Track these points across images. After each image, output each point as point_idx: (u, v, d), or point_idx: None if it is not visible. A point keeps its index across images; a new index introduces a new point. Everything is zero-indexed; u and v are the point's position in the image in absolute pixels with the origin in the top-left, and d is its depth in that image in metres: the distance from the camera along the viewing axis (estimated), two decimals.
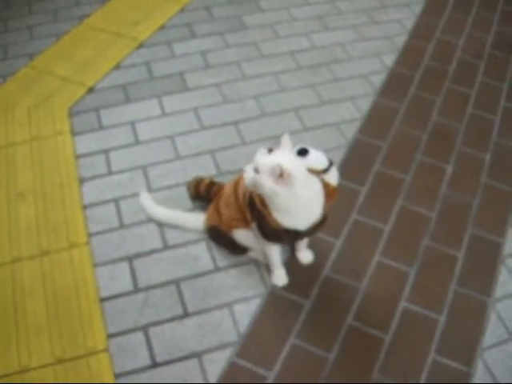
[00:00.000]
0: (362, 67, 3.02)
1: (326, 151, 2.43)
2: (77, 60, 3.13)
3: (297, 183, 1.70)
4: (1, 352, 1.97)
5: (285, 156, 1.74)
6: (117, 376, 1.90)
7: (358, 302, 2.08)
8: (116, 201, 2.36)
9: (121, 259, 2.20)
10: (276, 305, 2.06)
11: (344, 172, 2.49)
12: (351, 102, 2.81)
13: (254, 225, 1.92)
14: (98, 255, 2.22)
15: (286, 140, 1.77)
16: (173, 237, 2.24)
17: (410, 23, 3.35)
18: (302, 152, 1.85)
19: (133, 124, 2.70)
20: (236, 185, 1.98)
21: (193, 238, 2.23)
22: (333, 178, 1.91)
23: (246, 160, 2.41)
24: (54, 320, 2.03)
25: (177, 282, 2.13)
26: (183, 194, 2.37)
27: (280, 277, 2.15)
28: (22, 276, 2.15)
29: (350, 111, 2.76)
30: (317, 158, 1.88)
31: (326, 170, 1.88)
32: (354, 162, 2.51)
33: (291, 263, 2.18)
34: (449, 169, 2.53)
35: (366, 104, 2.80)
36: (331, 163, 1.90)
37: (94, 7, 3.52)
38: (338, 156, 2.54)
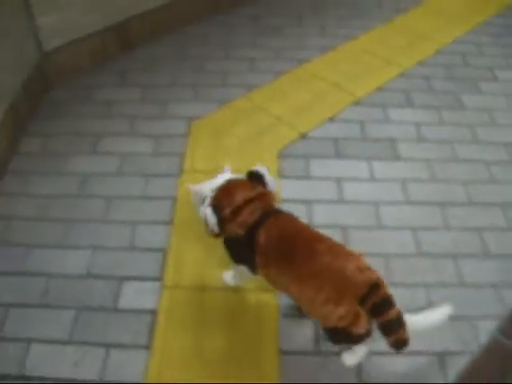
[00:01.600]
0: None
1: None
2: (292, 103, 3.27)
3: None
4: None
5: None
6: None
7: None
8: None
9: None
10: None
11: None
12: None
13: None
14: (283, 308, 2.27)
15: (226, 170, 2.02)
16: None
17: None
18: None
19: (339, 181, 2.77)
20: None
21: None
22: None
23: (450, 247, 2.39)
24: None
25: None
26: (380, 266, 2.30)
27: (233, 277, 2.22)
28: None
29: None
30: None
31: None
32: None
33: None
34: None
35: None
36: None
37: (314, 53, 3.73)
38: None
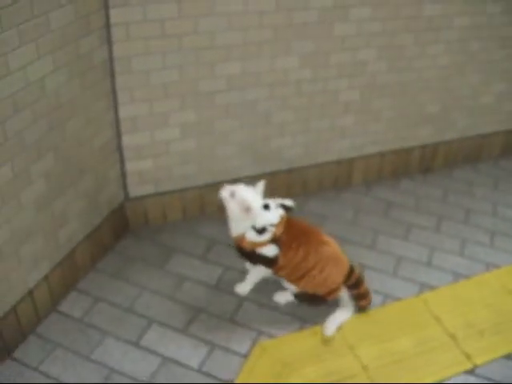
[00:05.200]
0: None
1: None
2: (383, 347, 2.71)
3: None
4: None
5: (252, 196, 2.64)
6: None
7: None
8: None
9: None
10: None
11: None
12: None
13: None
14: None
15: (260, 185, 2.67)
16: None
17: None
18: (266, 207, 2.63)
19: None
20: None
21: None
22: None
23: None
24: None
25: None
26: None
27: (244, 288, 2.91)
28: None
29: None
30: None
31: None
32: None
33: None
34: None
35: None
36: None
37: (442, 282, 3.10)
38: None
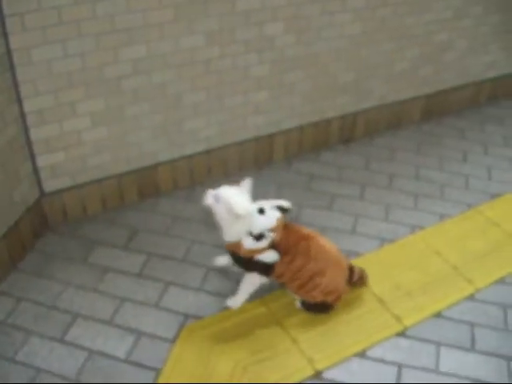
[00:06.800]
0: None
1: None
2: (312, 318, 2.77)
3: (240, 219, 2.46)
4: None
5: (239, 197, 2.48)
6: None
7: None
8: None
9: None
10: None
11: None
12: None
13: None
14: None
15: (246, 184, 2.53)
16: None
17: None
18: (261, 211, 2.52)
19: None
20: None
21: None
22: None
23: None
24: None
25: None
26: None
27: (237, 301, 2.76)
28: None
29: None
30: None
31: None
32: None
33: None
34: None
35: None
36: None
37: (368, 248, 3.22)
38: None
